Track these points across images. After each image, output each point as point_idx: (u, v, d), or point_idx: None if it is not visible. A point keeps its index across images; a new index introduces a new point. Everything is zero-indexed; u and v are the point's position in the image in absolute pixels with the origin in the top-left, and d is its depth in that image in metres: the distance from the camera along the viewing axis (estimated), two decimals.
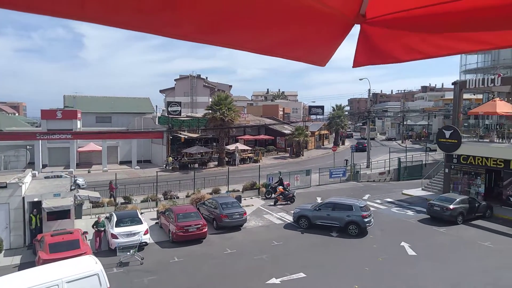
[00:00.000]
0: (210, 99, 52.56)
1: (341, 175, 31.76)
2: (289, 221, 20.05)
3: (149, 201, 22.84)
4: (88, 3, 1.08)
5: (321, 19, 1.45)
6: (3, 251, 15.73)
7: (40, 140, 36.07)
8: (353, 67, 1.83)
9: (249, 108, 71.55)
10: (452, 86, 27.97)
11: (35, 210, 16.70)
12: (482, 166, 23.60)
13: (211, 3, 1.22)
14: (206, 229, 17.18)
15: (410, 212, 22.34)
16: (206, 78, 68.30)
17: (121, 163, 41.44)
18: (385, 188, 30.30)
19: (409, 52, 1.66)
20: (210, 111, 39.85)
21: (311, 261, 14.64)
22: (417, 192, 27.59)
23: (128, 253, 14.51)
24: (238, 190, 25.80)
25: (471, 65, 45.15)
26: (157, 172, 26.89)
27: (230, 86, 78.91)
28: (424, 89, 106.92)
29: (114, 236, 15.63)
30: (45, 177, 23.55)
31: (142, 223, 16.68)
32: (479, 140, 25.14)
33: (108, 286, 9.90)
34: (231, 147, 41.50)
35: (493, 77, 24.99)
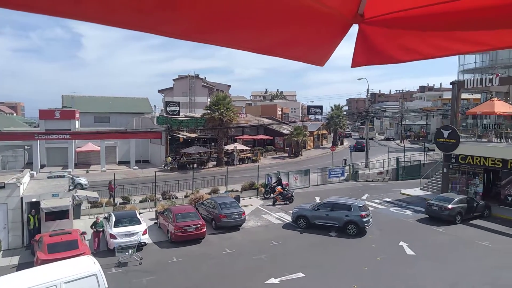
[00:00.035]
0: (209, 99, 52.46)
1: (339, 175, 31.79)
2: (288, 221, 20.06)
3: (148, 201, 22.82)
4: (85, 2, 1.07)
5: (320, 18, 1.45)
6: (1, 252, 15.68)
7: (38, 140, 35.98)
8: (351, 67, 1.83)
9: (248, 108, 71.56)
10: (450, 86, 28.01)
11: (33, 210, 16.66)
12: (480, 166, 23.66)
13: (209, 2, 1.21)
14: (204, 229, 17.17)
15: (408, 212, 22.37)
16: (205, 78, 68.29)
17: (120, 163, 41.38)
18: (383, 188, 30.34)
19: (407, 52, 1.66)
20: (209, 111, 39.83)
21: (310, 261, 14.65)
22: (416, 192, 27.64)
23: (127, 253, 14.50)
24: (237, 190, 25.79)
25: (469, 65, 45.22)
26: (155, 172, 26.86)
27: (229, 86, 78.87)
28: (423, 89, 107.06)
29: (112, 236, 15.61)
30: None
31: (140, 223, 16.66)
32: (477, 140, 25.20)
33: (107, 286, 9.88)
34: (230, 147, 41.49)
35: (491, 77, 25.03)
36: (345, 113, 70.15)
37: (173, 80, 60.63)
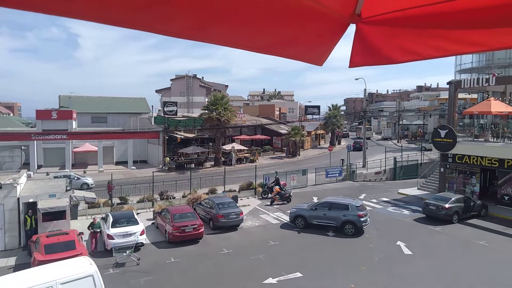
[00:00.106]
0: (206, 99, 52.49)
1: (337, 174, 31.84)
2: (286, 221, 20.07)
3: (145, 201, 22.78)
4: (80, 0, 1.06)
5: (317, 18, 1.45)
6: None
7: (35, 141, 35.85)
8: (349, 67, 1.83)
9: (246, 108, 71.55)
10: (447, 86, 28.09)
11: (30, 211, 16.59)
12: (477, 165, 23.74)
13: (207, 0, 1.21)
14: (202, 229, 17.15)
15: (406, 211, 22.43)
16: (202, 78, 68.24)
17: (117, 163, 41.28)
18: (381, 187, 30.41)
19: (404, 53, 1.66)
20: (206, 111, 39.79)
21: (308, 261, 14.66)
22: (413, 191, 27.70)
23: (124, 254, 14.46)
24: (235, 190, 25.78)
25: (466, 65, 45.42)
26: (153, 172, 26.81)
27: (226, 86, 78.87)
28: (420, 88, 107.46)
29: (110, 237, 15.57)
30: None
31: (138, 223, 16.62)
32: (474, 139, 25.29)
33: (103, 287, 9.84)
34: (228, 147, 41.47)
35: (487, 76, 25.15)
36: (342, 113, 70.24)
37: (171, 80, 60.59)
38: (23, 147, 33.61)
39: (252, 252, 15.69)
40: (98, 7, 1.10)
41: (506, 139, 23.90)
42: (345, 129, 79.24)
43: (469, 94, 46.38)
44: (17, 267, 13.86)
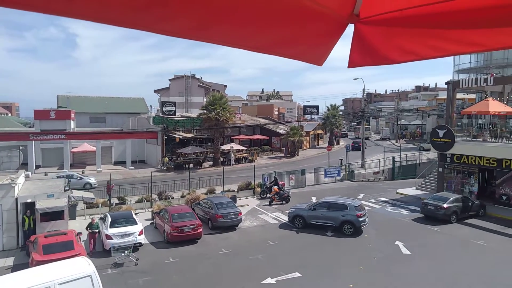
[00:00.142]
0: (205, 99, 52.48)
1: (336, 174, 31.86)
2: (284, 221, 20.07)
3: (144, 201, 22.75)
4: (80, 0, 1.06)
5: (316, 18, 1.46)
6: None
7: (33, 141, 35.76)
8: (348, 67, 1.83)
9: (244, 108, 71.56)
10: (446, 86, 28.17)
11: (28, 211, 16.55)
12: (475, 165, 23.80)
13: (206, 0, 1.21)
14: (201, 229, 17.14)
15: (404, 211, 22.46)
16: (201, 78, 68.23)
17: (116, 163, 41.22)
18: (379, 187, 30.44)
19: (403, 53, 1.66)
20: (205, 111, 39.77)
21: (306, 261, 14.67)
22: (411, 191, 27.75)
23: (123, 254, 14.44)
24: (233, 190, 25.78)
25: (464, 65, 45.54)
26: (151, 172, 26.77)
27: (225, 86, 78.88)
28: (418, 88, 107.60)
29: (108, 237, 15.54)
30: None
31: (136, 223, 16.60)
32: (472, 139, 25.35)
33: (101, 287, 9.83)
34: (226, 147, 41.45)
35: (485, 77, 25.20)
36: (341, 113, 70.28)
37: (169, 80, 60.52)
38: (21, 147, 33.60)
39: (250, 252, 15.69)
40: (98, 7, 1.09)
41: (504, 139, 23.97)
42: (344, 129, 79.31)
43: (467, 94, 46.50)
44: (15, 268, 13.83)
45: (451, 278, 13.33)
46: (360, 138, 42.61)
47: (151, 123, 41.52)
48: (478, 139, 25.12)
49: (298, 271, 13.57)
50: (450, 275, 13.55)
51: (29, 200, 16.65)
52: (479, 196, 23.59)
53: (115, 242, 15.23)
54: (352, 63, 1.80)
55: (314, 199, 23.19)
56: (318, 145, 62.22)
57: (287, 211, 20.42)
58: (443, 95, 57.50)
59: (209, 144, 43.50)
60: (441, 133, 24.65)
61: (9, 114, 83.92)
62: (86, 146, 38.31)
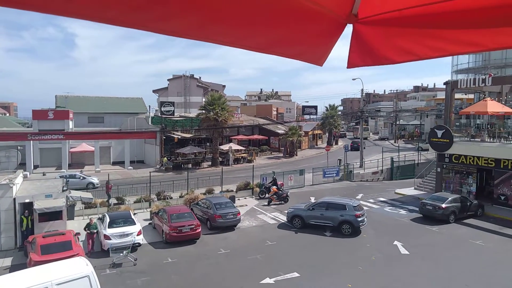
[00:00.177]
0: (204, 99, 52.46)
1: (334, 174, 31.89)
2: (283, 221, 20.07)
3: (142, 201, 22.72)
4: None
5: (315, 18, 1.46)
6: None
7: (31, 141, 35.68)
8: (347, 67, 1.83)
9: (243, 108, 71.56)
10: (444, 86, 28.22)
11: (26, 211, 16.52)
12: (474, 165, 23.85)
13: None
14: (199, 230, 17.13)
15: (402, 211, 22.49)
16: (200, 78, 68.17)
17: (114, 163, 41.15)
18: (378, 187, 30.48)
19: (401, 53, 1.67)
20: (204, 111, 39.75)
21: (305, 261, 14.67)
22: (410, 191, 27.80)
23: (121, 254, 14.42)
24: (232, 190, 25.77)
25: (463, 65, 45.66)
26: (150, 172, 26.75)
27: (224, 86, 78.85)
28: (416, 89, 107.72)
29: (107, 237, 15.52)
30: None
31: (135, 223, 16.58)
32: (471, 139, 25.41)
33: None
34: (225, 147, 41.44)
35: (484, 77, 25.26)
36: (339, 113, 70.36)
37: (168, 80, 60.44)
38: (19, 147, 33.48)
39: (249, 252, 15.68)
40: (97, 6, 1.09)
41: (502, 139, 24.04)
42: (343, 129, 79.36)
43: (465, 94, 46.63)
44: (13, 268, 13.80)
45: (449, 277, 13.35)
46: (359, 138, 42.66)
47: (150, 123, 41.47)
48: (476, 139, 25.18)
49: (297, 271, 13.58)
50: (448, 274, 13.58)
51: (27, 200, 16.61)
52: (477, 196, 23.65)
53: (114, 242, 15.21)
54: (351, 64, 1.80)
55: (312, 199, 23.20)
56: (316, 145, 62.26)
57: (286, 211, 20.42)
58: (441, 95, 57.58)
59: (208, 144, 43.48)
60: (439, 133, 24.70)
61: (7, 114, 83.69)
62: (84, 146, 38.25)
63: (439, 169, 26.02)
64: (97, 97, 52.01)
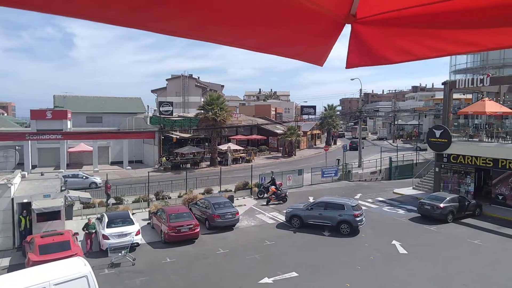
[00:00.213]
0: (202, 99, 52.35)
1: (333, 174, 31.92)
2: (282, 221, 20.08)
3: (141, 201, 22.69)
4: None
5: (313, 18, 1.46)
6: None
7: (29, 141, 35.59)
8: (346, 68, 1.84)
9: (242, 108, 71.55)
10: (442, 86, 28.26)
11: (24, 211, 16.47)
12: (472, 165, 23.91)
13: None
14: (198, 229, 17.12)
15: (401, 211, 22.53)
16: (198, 78, 68.12)
17: (112, 163, 41.08)
18: (376, 187, 30.52)
19: (400, 53, 1.67)
20: (202, 111, 39.72)
21: (304, 260, 14.69)
22: (408, 191, 27.84)
23: (120, 254, 14.41)
24: (231, 190, 25.76)
25: (461, 65, 45.73)
26: (148, 172, 26.73)
27: (222, 86, 78.79)
28: (415, 89, 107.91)
29: (105, 237, 15.50)
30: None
31: (133, 223, 16.56)
32: (469, 139, 25.46)
33: None
34: (224, 147, 41.42)
35: (482, 77, 25.31)
36: (338, 113, 70.46)
37: (166, 80, 60.41)
38: (17, 147, 33.32)
39: (248, 252, 15.69)
40: (97, 6, 1.09)
41: (500, 139, 24.09)
42: (341, 129, 79.44)
43: (463, 94, 46.73)
44: (11, 268, 13.77)
45: (447, 277, 13.39)
46: (357, 138, 42.71)
47: (148, 123, 41.42)
48: (474, 139, 25.23)
49: (295, 271, 13.59)
50: (446, 274, 13.61)
51: (25, 200, 16.57)
52: (475, 195, 23.71)
53: (112, 242, 15.20)
54: (350, 64, 1.80)
55: (311, 199, 23.22)
56: (315, 145, 62.29)
57: (284, 211, 20.43)
58: (439, 95, 57.63)
59: (207, 144, 43.44)
60: (437, 133, 24.75)
61: (5, 114, 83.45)
62: (82, 146, 38.17)
63: (437, 169, 26.07)
64: (95, 97, 51.93)
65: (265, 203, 23.96)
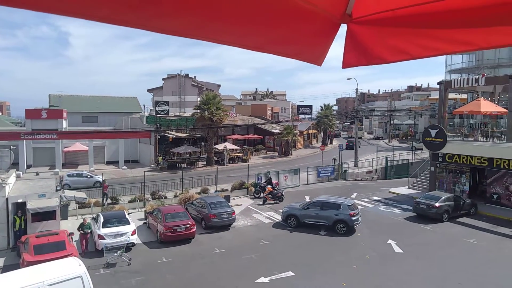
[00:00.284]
0: (199, 99, 52.32)
1: (329, 174, 31.99)
2: (278, 220, 20.10)
3: (137, 201, 22.62)
4: None
5: (309, 17, 1.46)
6: None
7: (24, 140, 35.38)
8: (342, 67, 1.84)
9: (238, 108, 71.50)
10: (438, 86, 28.41)
11: (19, 211, 16.37)
12: (467, 165, 24.05)
13: None
14: (194, 229, 17.09)
15: (397, 210, 22.62)
16: (195, 77, 67.98)
17: (108, 163, 40.93)
18: (372, 186, 30.62)
19: (395, 52, 1.67)
20: (199, 111, 39.65)
21: (300, 260, 14.70)
22: (404, 190, 27.96)
23: (115, 254, 14.35)
24: (227, 190, 25.75)
25: (456, 65, 45.99)
26: (144, 172, 26.64)
27: (219, 86, 78.76)
28: (411, 88, 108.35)
29: (101, 237, 15.43)
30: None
31: (129, 223, 16.51)
32: (464, 139, 25.61)
33: None
34: (220, 146, 41.38)
35: (477, 77, 25.46)
36: (334, 112, 70.62)
37: (163, 79, 60.23)
38: (12, 147, 33.13)
39: (244, 252, 15.68)
40: (92, 4, 1.08)
41: (495, 139, 24.25)
42: (337, 129, 79.65)
43: (459, 94, 46.94)
44: (5, 268, 13.68)
45: (443, 276, 13.45)
46: (353, 138, 42.82)
47: (144, 122, 41.29)
48: (469, 139, 25.38)
49: (292, 270, 13.60)
50: (442, 273, 13.68)
51: (20, 200, 16.46)
52: (470, 195, 23.84)
53: (108, 242, 15.13)
54: (346, 64, 1.80)
55: (307, 199, 23.25)
56: (311, 144, 62.39)
57: (281, 211, 20.45)
58: (435, 95, 57.94)
59: (203, 143, 43.39)
60: (433, 132, 24.87)
61: (0, 113, 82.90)
62: (78, 145, 37.98)
63: (432, 168, 26.19)
64: (91, 96, 51.70)
65: (261, 203, 23.96)
